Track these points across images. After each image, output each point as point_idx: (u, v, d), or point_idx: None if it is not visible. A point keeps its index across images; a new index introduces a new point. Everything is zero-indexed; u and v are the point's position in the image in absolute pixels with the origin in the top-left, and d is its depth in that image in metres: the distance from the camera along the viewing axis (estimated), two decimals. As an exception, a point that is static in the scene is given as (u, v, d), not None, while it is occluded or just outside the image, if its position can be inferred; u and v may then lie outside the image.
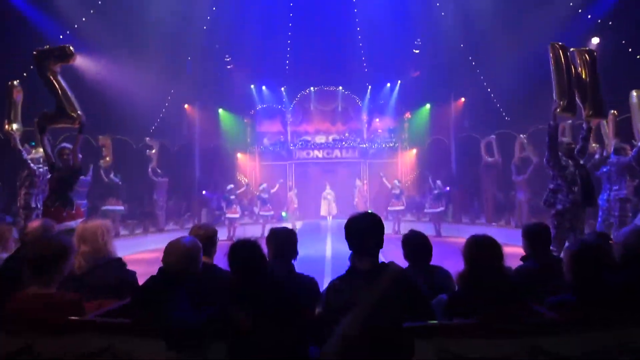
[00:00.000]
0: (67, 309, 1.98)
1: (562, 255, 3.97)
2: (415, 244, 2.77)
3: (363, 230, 1.92)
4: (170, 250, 2.09)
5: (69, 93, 4.71)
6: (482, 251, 1.93)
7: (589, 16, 10.89)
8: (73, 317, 1.92)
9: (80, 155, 4.80)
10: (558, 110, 4.26)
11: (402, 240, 2.84)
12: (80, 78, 11.75)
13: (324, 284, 5.86)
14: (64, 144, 5.00)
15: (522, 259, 2.90)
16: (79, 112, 4.67)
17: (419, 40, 14.78)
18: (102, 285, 2.62)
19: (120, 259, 2.87)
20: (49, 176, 5.37)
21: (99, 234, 2.81)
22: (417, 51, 14.99)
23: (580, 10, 11.02)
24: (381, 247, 1.96)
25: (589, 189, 4.26)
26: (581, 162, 4.39)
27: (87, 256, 2.75)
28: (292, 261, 2.66)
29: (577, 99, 4.36)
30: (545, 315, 1.81)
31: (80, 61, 11.98)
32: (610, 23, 10.35)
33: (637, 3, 9.97)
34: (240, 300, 1.75)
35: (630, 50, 10.17)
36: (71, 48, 4.83)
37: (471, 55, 13.93)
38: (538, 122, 12.19)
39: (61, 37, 11.44)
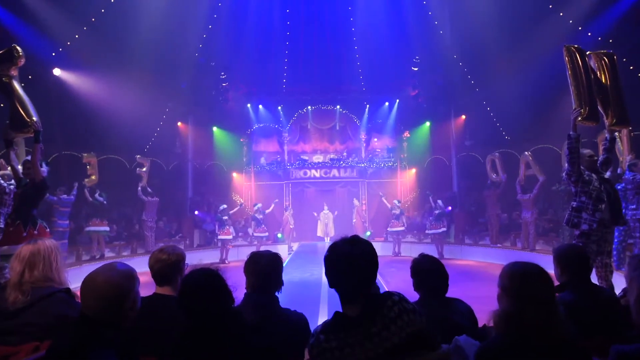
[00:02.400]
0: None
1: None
2: (428, 272, 2.27)
3: (350, 268, 1.31)
4: (88, 286, 1.43)
5: (25, 99, 4.29)
6: (533, 286, 1.42)
7: (589, 34, 10.71)
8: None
9: (43, 169, 4.31)
10: (579, 119, 3.82)
11: (411, 267, 2.33)
12: (72, 96, 11.48)
13: (319, 313, 5.28)
14: (27, 157, 4.55)
15: (557, 289, 2.39)
16: (34, 118, 4.22)
17: (417, 57, 14.64)
18: (40, 324, 2.11)
19: (69, 290, 2.33)
20: None
21: (53, 258, 2.31)
22: (415, 69, 14.83)
23: (580, 28, 10.86)
24: (373, 283, 1.39)
25: (616, 206, 3.77)
26: (605, 175, 3.92)
27: (27, 287, 2.24)
28: (277, 293, 2.13)
29: (598, 106, 3.94)
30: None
31: (73, 79, 11.84)
32: (610, 41, 10.15)
33: (637, 20, 9.82)
34: (192, 356, 1.23)
35: (631, 68, 9.95)
36: (18, 48, 4.45)
37: (470, 73, 13.77)
38: (539, 141, 11.95)
39: (53, 54, 11.21)
